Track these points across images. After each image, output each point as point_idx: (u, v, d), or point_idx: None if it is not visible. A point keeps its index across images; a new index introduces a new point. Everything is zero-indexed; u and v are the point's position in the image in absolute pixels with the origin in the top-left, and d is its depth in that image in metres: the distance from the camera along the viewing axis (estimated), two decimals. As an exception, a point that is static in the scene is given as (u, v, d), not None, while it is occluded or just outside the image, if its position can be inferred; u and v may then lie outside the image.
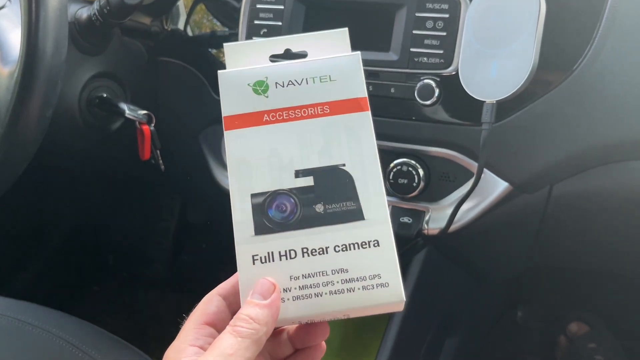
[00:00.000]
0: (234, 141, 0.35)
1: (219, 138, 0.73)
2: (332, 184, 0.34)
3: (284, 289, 0.33)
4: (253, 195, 0.34)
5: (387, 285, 0.33)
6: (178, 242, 1.19)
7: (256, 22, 0.67)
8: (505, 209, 0.64)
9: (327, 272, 0.33)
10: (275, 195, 0.34)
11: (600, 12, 0.56)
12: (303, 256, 0.33)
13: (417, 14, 0.61)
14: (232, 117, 0.36)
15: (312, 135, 0.35)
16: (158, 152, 0.71)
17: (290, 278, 0.33)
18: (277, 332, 0.36)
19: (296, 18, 0.65)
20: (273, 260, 0.33)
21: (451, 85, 0.59)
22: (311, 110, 0.35)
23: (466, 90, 0.56)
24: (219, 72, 0.36)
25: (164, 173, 0.74)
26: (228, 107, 0.36)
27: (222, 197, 0.74)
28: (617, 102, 0.57)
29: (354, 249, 0.33)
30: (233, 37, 0.70)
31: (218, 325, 0.34)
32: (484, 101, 0.55)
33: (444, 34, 0.59)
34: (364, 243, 0.33)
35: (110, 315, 1.06)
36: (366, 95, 0.36)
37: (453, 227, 0.64)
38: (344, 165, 0.35)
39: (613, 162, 0.59)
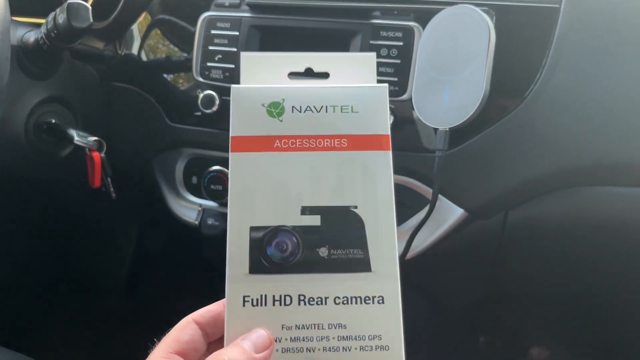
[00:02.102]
0: (238, 166, 0.32)
1: (173, 164, 0.71)
2: (341, 227, 0.31)
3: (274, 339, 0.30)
4: (252, 229, 0.31)
5: (387, 348, 0.30)
6: (135, 271, 1.15)
7: (211, 47, 0.66)
8: (462, 235, 0.64)
9: (323, 326, 0.30)
10: (276, 231, 0.31)
11: (549, 41, 0.58)
12: (299, 304, 0.30)
13: (371, 42, 0.61)
14: (240, 139, 0.33)
15: (325, 170, 0.32)
16: (109, 179, 0.69)
17: (282, 327, 0.30)
18: None
19: (251, 44, 0.65)
20: (265, 305, 0.30)
21: (406, 112, 0.60)
22: (327, 142, 0.33)
23: (419, 117, 0.56)
24: (233, 86, 0.33)
25: (117, 200, 0.72)
26: (238, 127, 0.33)
27: (177, 226, 0.72)
28: (567, 129, 0.58)
29: (356, 303, 0.30)
30: (188, 62, 0.69)
31: (189, 356, 0.31)
32: (437, 128, 0.55)
33: (398, 61, 0.60)
34: (367, 298, 0.31)
35: (61, 350, 1.01)
36: (389, 133, 0.33)
37: (410, 254, 0.63)
38: (355, 207, 0.32)
39: (565, 188, 0.60)
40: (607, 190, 0.59)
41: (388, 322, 0.30)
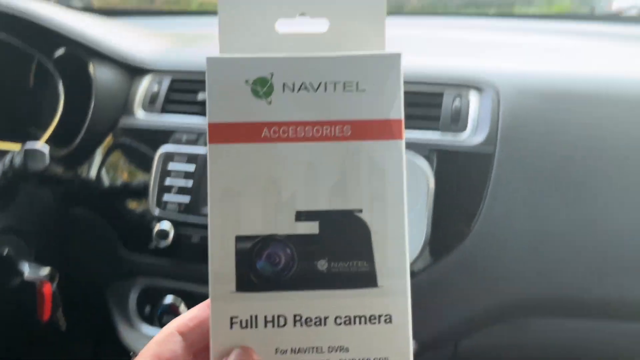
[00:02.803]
0: (218, 161, 0.27)
1: (127, 293, 0.71)
2: (343, 235, 0.27)
3: None
4: (239, 239, 0.27)
5: None
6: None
7: (167, 182, 0.68)
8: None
9: (322, 349, 0.27)
10: (267, 242, 0.27)
11: (487, 181, 0.61)
12: (295, 325, 0.27)
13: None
14: (220, 127, 0.27)
15: (324, 165, 0.27)
16: (60, 309, 0.68)
17: (277, 351, 0.27)
18: None
19: (206, 180, 0.67)
20: (257, 327, 0.27)
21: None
22: (327, 130, 0.27)
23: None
24: (208, 57, 0.27)
25: (68, 330, 0.70)
26: (216, 111, 0.27)
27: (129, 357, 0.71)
28: (509, 264, 0.60)
29: (360, 323, 0.27)
30: (146, 189, 0.71)
31: None
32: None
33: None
34: (372, 317, 0.27)
35: None
36: (402, 117, 0.28)
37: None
38: (360, 211, 0.27)
39: (512, 320, 0.62)
40: (554, 321, 0.62)
41: (396, 343, 0.27)
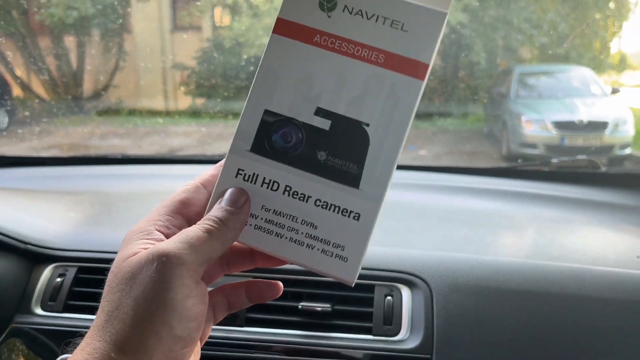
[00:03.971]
0: (275, 48, 0.33)
1: None
2: (346, 138, 0.32)
3: (251, 214, 0.32)
4: (266, 112, 0.33)
5: (345, 259, 0.32)
6: None
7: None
8: None
9: (297, 219, 0.32)
10: (287, 122, 0.33)
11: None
12: (284, 193, 0.32)
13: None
14: (286, 23, 0.33)
15: (353, 79, 0.33)
16: None
17: (262, 207, 0.33)
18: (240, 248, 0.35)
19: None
20: (255, 183, 0.33)
21: None
22: (366, 52, 0.33)
23: None
24: None
25: None
26: (287, 10, 0.33)
27: None
28: None
29: (333, 211, 0.32)
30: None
31: (193, 220, 0.32)
32: None
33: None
34: (345, 210, 0.32)
35: None
36: (429, 63, 0.32)
37: None
38: (367, 125, 0.32)
39: None
40: None
41: (356, 237, 0.32)
